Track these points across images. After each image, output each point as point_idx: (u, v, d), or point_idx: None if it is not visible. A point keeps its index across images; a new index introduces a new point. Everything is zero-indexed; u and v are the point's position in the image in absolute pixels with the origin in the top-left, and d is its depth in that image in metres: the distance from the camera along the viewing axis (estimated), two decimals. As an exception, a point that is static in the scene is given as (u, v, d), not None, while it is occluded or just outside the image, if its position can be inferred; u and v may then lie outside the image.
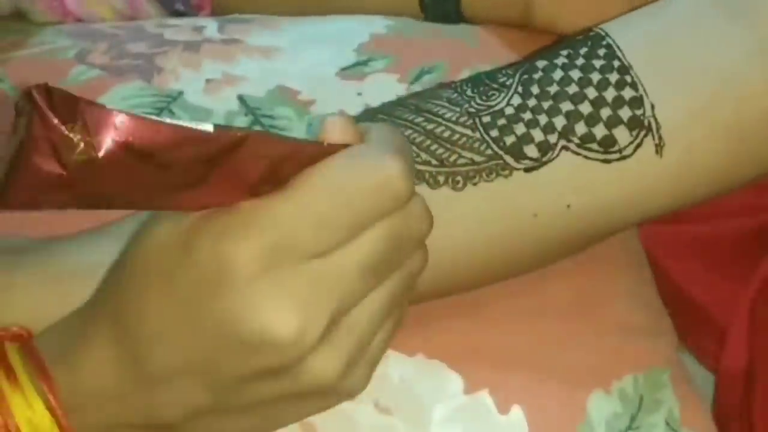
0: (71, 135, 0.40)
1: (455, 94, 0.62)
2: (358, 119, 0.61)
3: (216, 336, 0.46)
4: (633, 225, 0.67)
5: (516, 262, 0.62)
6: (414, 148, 0.59)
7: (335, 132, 0.48)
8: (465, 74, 0.72)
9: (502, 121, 0.60)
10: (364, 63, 0.72)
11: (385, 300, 0.49)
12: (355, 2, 0.79)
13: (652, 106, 0.60)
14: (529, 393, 0.62)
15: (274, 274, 0.45)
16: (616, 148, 0.60)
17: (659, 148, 0.60)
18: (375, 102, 0.69)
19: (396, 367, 0.62)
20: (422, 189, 0.58)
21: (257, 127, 0.68)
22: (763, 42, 0.61)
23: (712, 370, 0.88)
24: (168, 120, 0.43)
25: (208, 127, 0.44)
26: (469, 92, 0.61)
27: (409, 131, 0.60)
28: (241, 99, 0.70)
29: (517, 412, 0.62)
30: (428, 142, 0.60)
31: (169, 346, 0.47)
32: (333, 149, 0.47)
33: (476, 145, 0.59)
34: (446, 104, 0.61)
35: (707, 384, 0.86)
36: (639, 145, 0.60)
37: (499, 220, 0.60)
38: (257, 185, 0.46)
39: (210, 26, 0.76)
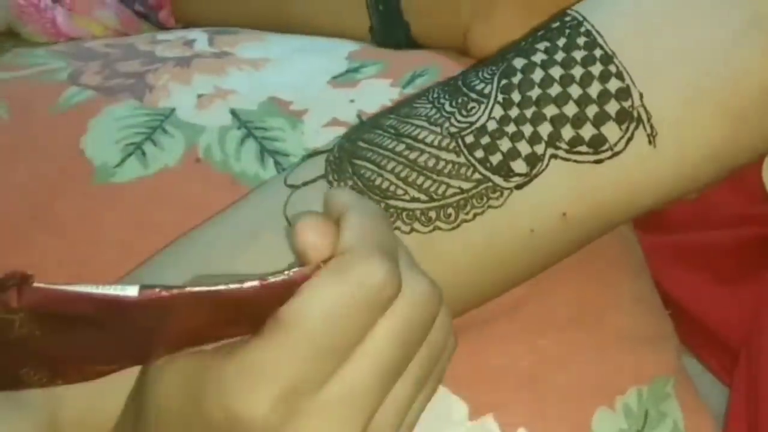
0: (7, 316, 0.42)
1: (434, 110, 0.59)
2: (338, 146, 0.61)
3: None
4: (634, 218, 0.65)
5: (515, 278, 0.62)
6: (400, 183, 0.57)
7: (309, 234, 0.46)
8: (457, 76, 0.71)
9: (485, 140, 0.57)
10: (356, 70, 0.72)
11: (410, 388, 0.48)
12: (305, 30, 0.79)
13: (641, 95, 0.57)
14: (534, 415, 0.62)
15: (295, 420, 0.45)
16: (606, 146, 0.57)
17: (652, 138, 0.57)
18: (368, 108, 0.70)
19: (400, 396, 0.62)
20: (416, 227, 0.57)
21: (250, 141, 0.68)
22: (757, 14, 0.58)
23: (716, 376, 0.87)
24: (84, 288, 0.43)
25: (132, 291, 0.43)
26: (447, 107, 0.59)
27: (393, 164, 0.58)
28: (234, 113, 0.69)
29: (523, 435, 0.62)
30: (414, 175, 0.57)
31: None
32: (301, 277, 0.45)
33: (462, 170, 0.57)
34: (426, 125, 0.59)
35: (710, 386, 0.86)
36: (630, 139, 0.57)
37: (496, 246, 0.58)
38: (214, 329, 0.45)
39: (200, 39, 0.76)
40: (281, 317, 0.44)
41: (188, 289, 0.44)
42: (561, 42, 0.59)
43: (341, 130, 0.68)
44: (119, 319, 0.44)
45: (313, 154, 0.62)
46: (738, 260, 0.87)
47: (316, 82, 0.71)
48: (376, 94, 0.71)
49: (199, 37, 0.76)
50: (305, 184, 0.59)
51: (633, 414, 0.64)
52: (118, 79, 0.72)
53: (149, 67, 0.73)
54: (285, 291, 0.45)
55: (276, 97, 0.70)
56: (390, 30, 0.77)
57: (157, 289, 0.43)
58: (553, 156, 0.57)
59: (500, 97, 0.58)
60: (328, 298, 0.45)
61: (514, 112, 0.58)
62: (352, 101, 0.70)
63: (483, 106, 0.58)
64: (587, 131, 0.57)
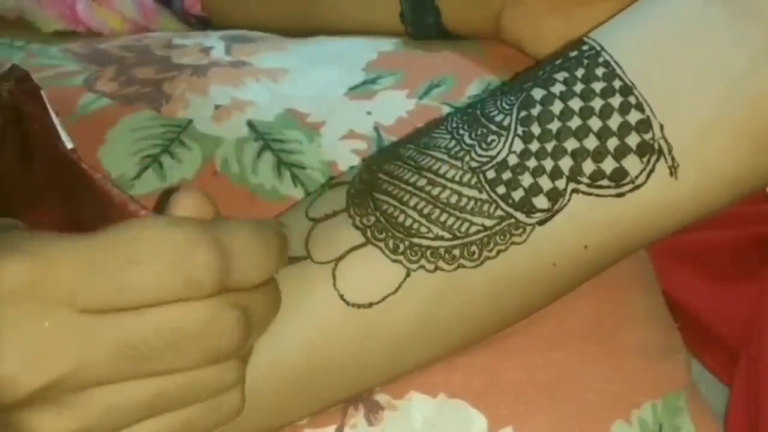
0: None
1: (453, 142, 0.59)
2: (355, 179, 0.61)
3: None
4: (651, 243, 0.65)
5: (534, 306, 0.62)
6: (423, 221, 0.57)
7: (184, 207, 0.46)
8: (474, 87, 0.72)
9: (507, 175, 0.57)
10: (373, 81, 0.72)
11: (147, 397, 0.45)
12: (335, 17, 0.79)
13: (661, 127, 0.57)
14: (554, 427, 0.63)
15: (23, 307, 0.42)
16: (627, 179, 0.57)
17: (673, 170, 0.57)
18: (385, 120, 0.69)
19: (419, 410, 0.62)
20: (441, 266, 0.57)
21: (267, 153, 0.68)
22: None
23: (715, 375, 0.88)
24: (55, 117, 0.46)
25: (69, 144, 0.46)
26: (467, 138, 0.59)
27: (415, 200, 0.58)
28: (251, 124, 0.69)
29: (540, 450, 0.62)
30: (437, 212, 0.57)
31: None
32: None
33: (485, 207, 0.57)
34: (446, 158, 0.58)
35: (711, 386, 0.87)
36: (652, 171, 0.57)
37: (518, 280, 0.58)
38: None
39: (217, 47, 0.75)
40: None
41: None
42: (579, 73, 0.58)
43: (358, 143, 0.68)
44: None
45: (334, 183, 0.62)
46: (738, 260, 0.88)
47: (334, 94, 0.71)
48: (393, 105, 0.71)
49: (216, 44, 0.76)
50: (327, 217, 0.59)
51: (648, 427, 0.65)
52: (135, 86, 0.71)
53: (165, 74, 0.72)
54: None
55: (293, 108, 0.70)
56: (420, 16, 0.76)
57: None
58: (575, 191, 0.57)
59: (520, 130, 0.58)
60: (144, 232, 0.43)
61: (534, 145, 0.57)
62: (369, 113, 0.70)
63: (503, 139, 0.58)
64: (608, 165, 0.57)
